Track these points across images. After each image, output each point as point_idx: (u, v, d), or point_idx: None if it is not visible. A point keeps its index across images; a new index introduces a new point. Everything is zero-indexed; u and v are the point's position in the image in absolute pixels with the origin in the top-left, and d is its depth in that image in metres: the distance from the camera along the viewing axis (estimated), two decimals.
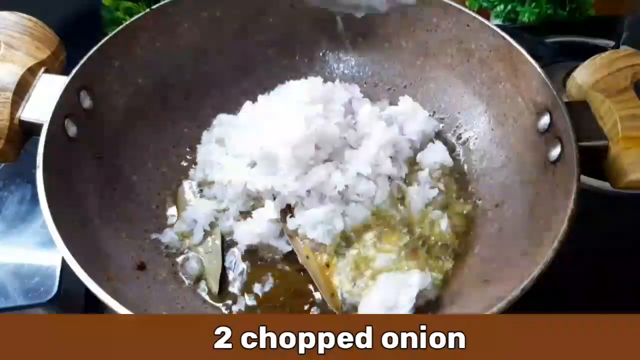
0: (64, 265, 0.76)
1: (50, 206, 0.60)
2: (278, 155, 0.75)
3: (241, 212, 0.79)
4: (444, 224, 0.76)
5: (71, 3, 1.04)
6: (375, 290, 0.69)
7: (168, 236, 0.77)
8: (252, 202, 0.79)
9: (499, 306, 0.55)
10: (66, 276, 0.78)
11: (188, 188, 0.82)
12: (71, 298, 0.81)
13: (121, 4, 1.04)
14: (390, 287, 0.68)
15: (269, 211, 0.76)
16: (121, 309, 0.56)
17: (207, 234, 0.77)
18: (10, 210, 0.85)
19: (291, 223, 0.76)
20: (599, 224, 0.83)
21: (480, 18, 0.81)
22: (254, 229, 0.75)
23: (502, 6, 1.14)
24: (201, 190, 0.82)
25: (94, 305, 0.83)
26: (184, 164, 0.85)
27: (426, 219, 0.77)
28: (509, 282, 0.63)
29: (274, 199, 0.77)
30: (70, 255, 0.57)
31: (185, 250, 0.76)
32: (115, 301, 0.56)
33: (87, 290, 0.57)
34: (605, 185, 0.79)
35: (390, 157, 0.79)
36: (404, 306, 0.67)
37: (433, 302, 0.69)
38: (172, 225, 0.78)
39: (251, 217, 0.77)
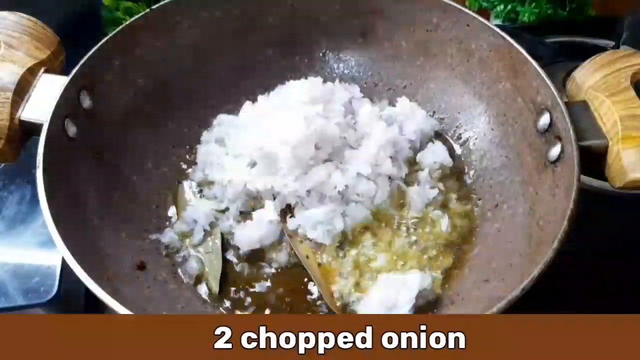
0: (64, 265, 0.76)
1: (50, 206, 0.60)
2: (278, 155, 0.75)
3: (241, 212, 0.79)
4: (444, 224, 0.76)
5: (71, 3, 1.04)
6: (375, 290, 0.69)
7: (168, 236, 0.76)
8: (252, 202, 0.79)
9: (498, 306, 0.55)
10: (66, 276, 0.78)
11: (188, 188, 0.82)
12: (71, 298, 0.81)
13: (121, 4, 1.04)
14: (390, 287, 0.68)
15: (269, 212, 0.76)
16: (121, 309, 0.56)
17: (207, 234, 0.77)
18: (10, 211, 0.85)
19: (291, 223, 0.76)
20: (599, 224, 0.83)
21: (480, 18, 0.80)
22: (254, 234, 0.75)
23: (502, 6, 1.14)
24: (201, 190, 0.82)
25: (94, 305, 0.82)
26: (184, 164, 0.85)
27: (426, 218, 0.77)
28: (509, 282, 0.64)
29: (274, 199, 0.77)
30: (70, 255, 0.57)
31: (186, 250, 0.76)
32: (115, 301, 0.56)
33: (87, 290, 0.57)
34: (605, 185, 0.79)
35: (390, 157, 0.79)
36: (404, 306, 0.67)
37: (433, 302, 0.69)
38: (172, 225, 0.78)
39: (251, 218, 0.77)
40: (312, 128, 0.76)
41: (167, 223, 0.79)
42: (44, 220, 0.60)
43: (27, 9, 0.76)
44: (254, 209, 0.78)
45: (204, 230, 0.77)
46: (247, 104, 0.86)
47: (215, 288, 0.72)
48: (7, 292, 0.77)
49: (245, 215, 0.78)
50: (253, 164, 0.79)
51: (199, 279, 0.73)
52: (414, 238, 0.75)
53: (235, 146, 0.81)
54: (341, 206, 0.76)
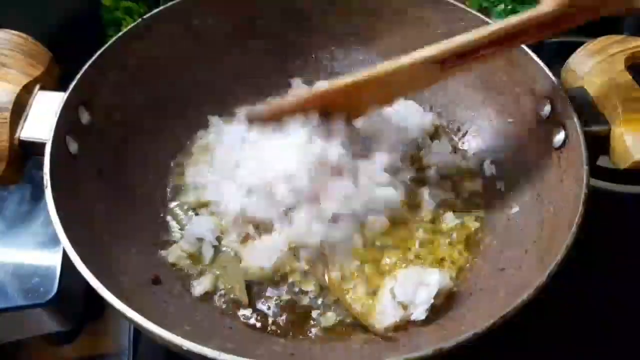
0: (64, 266, 0.77)
1: (66, 230, 0.59)
2: (275, 189, 0.72)
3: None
4: (454, 219, 0.76)
5: (71, 3, 1.00)
6: (394, 284, 0.69)
7: (174, 255, 0.74)
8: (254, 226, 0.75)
9: (529, 292, 0.55)
10: (66, 276, 0.77)
11: (179, 210, 0.80)
12: (70, 298, 0.80)
13: (121, 3, 1.02)
14: (409, 283, 0.68)
15: (280, 238, 0.73)
16: (148, 324, 0.54)
17: (216, 248, 0.75)
18: (10, 210, 0.84)
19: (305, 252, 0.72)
20: (600, 224, 0.84)
21: (473, 11, 0.82)
22: (264, 262, 0.72)
23: (502, 6, 1.14)
24: (194, 209, 0.79)
25: (93, 306, 0.83)
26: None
27: (437, 215, 0.77)
28: (526, 269, 0.65)
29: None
30: (94, 278, 0.56)
31: (197, 267, 0.74)
32: (141, 316, 0.55)
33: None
34: (605, 185, 0.81)
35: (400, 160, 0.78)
36: (421, 304, 0.67)
37: (450, 295, 0.69)
38: (177, 243, 0.76)
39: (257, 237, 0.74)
40: (310, 154, 0.72)
41: (171, 240, 0.76)
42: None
43: (27, 8, 0.73)
44: (257, 229, 0.75)
45: (213, 246, 0.74)
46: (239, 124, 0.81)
47: (245, 298, 0.70)
48: (6, 293, 0.76)
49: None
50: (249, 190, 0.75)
51: (211, 293, 0.72)
52: (426, 236, 0.75)
53: (226, 170, 0.78)
54: (357, 221, 0.73)
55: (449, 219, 0.77)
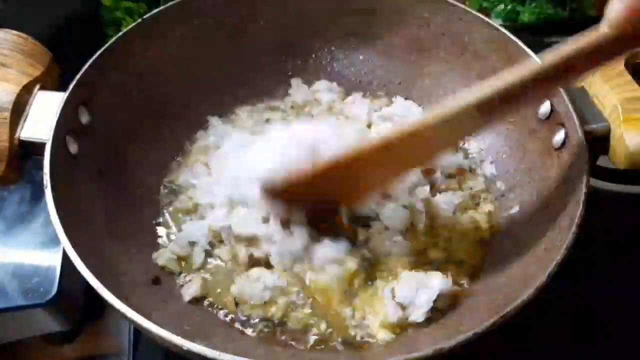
0: (64, 266, 0.77)
1: (66, 230, 0.59)
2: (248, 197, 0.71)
3: None
4: (467, 220, 0.76)
5: (70, 4, 1.00)
6: (395, 285, 0.68)
7: (164, 258, 0.73)
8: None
9: (528, 293, 0.55)
10: (66, 276, 0.77)
11: (176, 212, 0.79)
12: (71, 298, 0.80)
13: (121, 4, 1.02)
14: (410, 285, 0.68)
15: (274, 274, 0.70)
16: (148, 324, 0.54)
17: (207, 253, 0.74)
18: (10, 210, 0.84)
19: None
20: (600, 224, 0.84)
21: (472, 11, 0.82)
22: (256, 298, 0.69)
23: (502, 6, 1.14)
24: (188, 212, 0.78)
25: (94, 306, 0.83)
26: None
27: (449, 220, 0.76)
28: (527, 270, 0.65)
29: None
30: (94, 279, 0.56)
31: (187, 272, 0.73)
32: (141, 316, 0.55)
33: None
34: (605, 185, 0.80)
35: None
36: (421, 307, 0.67)
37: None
38: (166, 246, 0.74)
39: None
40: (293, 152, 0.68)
41: (162, 243, 0.76)
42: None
43: (27, 7, 0.73)
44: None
45: (204, 251, 0.74)
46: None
47: (232, 307, 0.69)
48: (6, 293, 0.76)
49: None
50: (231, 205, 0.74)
51: (199, 299, 0.70)
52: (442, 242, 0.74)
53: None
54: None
55: (466, 220, 0.76)
